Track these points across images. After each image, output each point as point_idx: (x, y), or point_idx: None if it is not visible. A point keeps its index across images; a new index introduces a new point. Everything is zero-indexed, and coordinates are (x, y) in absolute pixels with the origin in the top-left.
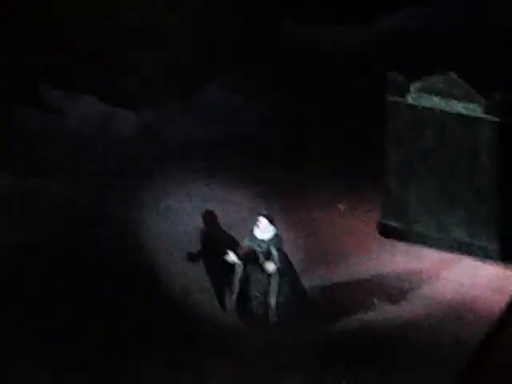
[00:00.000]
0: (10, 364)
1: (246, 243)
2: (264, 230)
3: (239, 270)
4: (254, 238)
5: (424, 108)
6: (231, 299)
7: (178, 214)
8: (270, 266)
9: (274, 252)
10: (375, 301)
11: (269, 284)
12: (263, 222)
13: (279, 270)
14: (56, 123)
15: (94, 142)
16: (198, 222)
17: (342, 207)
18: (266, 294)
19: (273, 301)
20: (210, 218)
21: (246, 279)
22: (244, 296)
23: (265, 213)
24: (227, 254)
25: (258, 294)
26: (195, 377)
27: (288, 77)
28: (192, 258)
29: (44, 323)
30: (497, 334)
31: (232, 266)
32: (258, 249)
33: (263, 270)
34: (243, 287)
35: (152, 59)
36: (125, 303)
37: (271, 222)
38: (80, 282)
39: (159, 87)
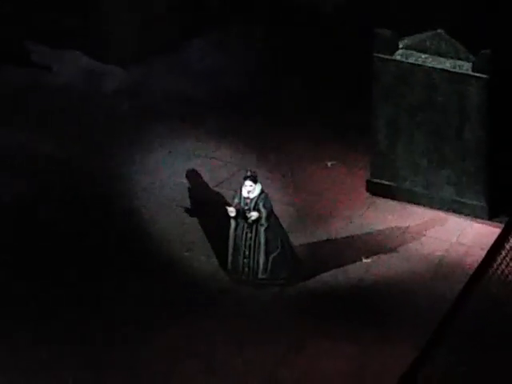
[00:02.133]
0: None
1: (235, 202)
2: (250, 189)
3: (233, 228)
4: (241, 196)
5: (412, 64)
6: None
7: (164, 171)
8: (253, 215)
9: (262, 209)
10: (363, 258)
11: (257, 241)
12: (248, 183)
13: (266, 227)
14: (42, 79)
15: (80, 98)
16: (185, 179)
17: (329, 163)
18: (254, 251)
19: (261, 258)
20: (195, 174)
21: (235, 238)
22: (234, 254)
23: (249, 174)
24: (227, 209)
25: (247, 253)
26: (181, 334)
27: (274, 30)
28: (187, 212)
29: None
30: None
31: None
32: (246, 207)
33: (252, 228)
34: (234, 246)
35: (137, 14)
36: (115, 258)
37: (255, 180)
38: (66, 241)
39: (146, 43)
